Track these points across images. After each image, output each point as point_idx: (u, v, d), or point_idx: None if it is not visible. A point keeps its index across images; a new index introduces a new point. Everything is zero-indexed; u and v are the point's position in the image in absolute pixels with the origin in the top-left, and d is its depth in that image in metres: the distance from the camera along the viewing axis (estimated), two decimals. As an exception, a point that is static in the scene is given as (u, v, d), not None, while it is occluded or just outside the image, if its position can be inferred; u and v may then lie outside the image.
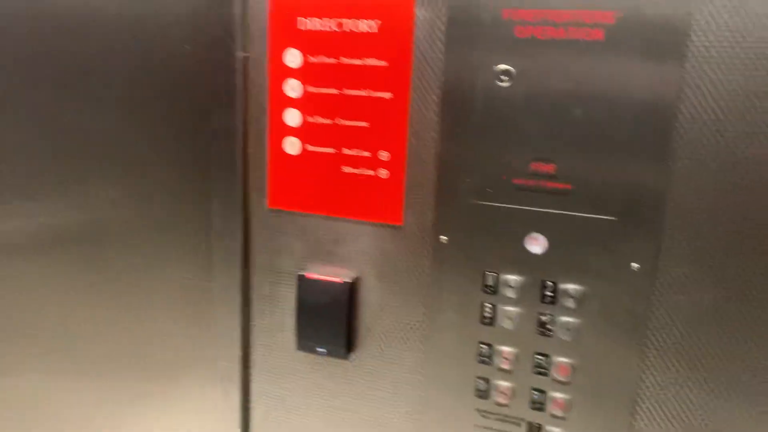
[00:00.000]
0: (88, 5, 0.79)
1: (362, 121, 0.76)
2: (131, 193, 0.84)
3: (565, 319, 0.72)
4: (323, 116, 0.77)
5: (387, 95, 0.74)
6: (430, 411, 0.80)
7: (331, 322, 0.81)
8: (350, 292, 0.80)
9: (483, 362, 0.76)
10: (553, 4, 0.66)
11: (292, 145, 0.80)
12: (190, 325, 0.89)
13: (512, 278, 0.73)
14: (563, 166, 0.69)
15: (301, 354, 0.85)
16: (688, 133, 0.65)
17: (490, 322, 0.75)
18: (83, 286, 0.88)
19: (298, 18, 0.75)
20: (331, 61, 0.75)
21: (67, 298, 0.88)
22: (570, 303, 0.71)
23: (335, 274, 0.81)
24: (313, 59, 0.76)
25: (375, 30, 0.73)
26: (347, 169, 0.78)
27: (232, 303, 0.86)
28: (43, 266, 0.87)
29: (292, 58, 0.77)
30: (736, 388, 0.68)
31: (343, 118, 0.77)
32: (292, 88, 0.78)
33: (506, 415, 0.77)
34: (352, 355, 0.83)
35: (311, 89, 0.77)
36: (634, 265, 0.68)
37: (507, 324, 0.74)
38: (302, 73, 0.77)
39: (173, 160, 0.83)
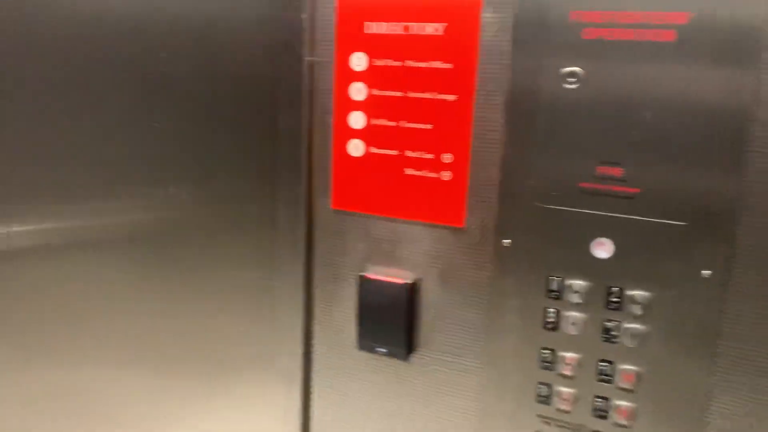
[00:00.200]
0: (165, 13, 0.82)
1: (426, 123, 0.76)
2: (201, 193, 0.87)
3: (631, 325, 0.71)
4: (387, 119, 0.78)
5: (452, 97, 0.74)
6: (489, 415, 0.80)
7: (391, 322, 0.82)
8: (411, 293, 0.81)
9: (545, 367, 0.76)
10: (622, 6, 0.65)
11: (356, 148, 0.81)
12: (253, 322, 0.91)
13: (577, 283, 0.72)
14: (631, 169, 0.68)
15: (362, 353, 0.86)
16: (763, 138, 0.63)
17: (553, 327, 0.74)
18: (153, 283, 0.91)
19: (365, 22, 0.77)
20: (397, 64, 0.76)
21: (137, 293, 0.92)
22: (637, 310, 0.70)
23: (396, 275, 0.82)
24: (378, 62, 0.77)
25: (441, 33, 0.73)
26: (410, 171, 0.79)
27: (294, 301, 0.88)
28: (116, 261, 0.91)
29: (358, 61, 0.78)
30: (813, 403, 0.66)
31: (406, 121, 0.77)
32: (357, 91, 0.79)
33: (568, 422, 0.76)
34: (412, 356, 0.84)
35: (376, 92, 0.78)
36: (705, 272, 0.67)
37: (571, 329, 0.73)
38: (367, 76, 0.78)
39: (241, 163, 0.86)
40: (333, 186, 0.83)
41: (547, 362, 0.75)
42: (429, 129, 0.76)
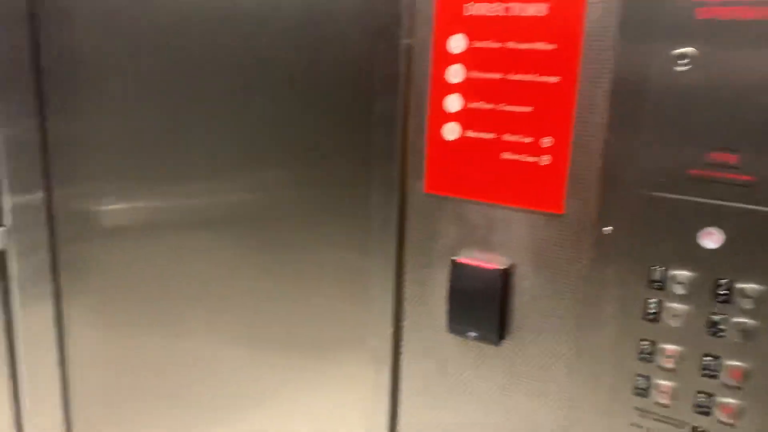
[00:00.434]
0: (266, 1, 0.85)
1: (526, 105, 0.75)
2: (299, 176, 0.89)
3: (740, 320, 0.67)
4: (485, 101, 0.77)
5: (554, 79, 0.72)
6: (582, 404, 0.79)
7: (483, 307, 0.82)
8: (504, 278, 0.80)
9: (644, 359, 0.73)
10: (741, -18, 0.61)
11: (451, 131, 0.80)
12: (345, 302, 0.93)
13: (682, 274, 0.69)
14: (746, 156, 0.64)
15: (452, 337, 0.86)
16: None
17: (654, 318, 0.72)
18: (253, 262, 0.95)
19: (465, 4, 0.76)
20: (496, 45, 0.75)
21: (244, 271, 0.96)
22: (747, 303, 0.67)
23: (489, 260, 0.81)
24: (477, 44, 0.76)
25: (544, 13, 0.71)
26: (507, 155, 0.77)
27: (386, 283, 0.89)
28: (219, 240, 0.95)
29: (456, 43, 0.77)
30: None
31: (505, 104, 0.76)
32: (455, 73, 0.78)
33: (667, 416, 0.73)
34: (504, 342, 0.83)
35: (474, 74, 0.77)
36: (826, 266, 0.63)
37: (673, 321, 0.71)
38: (465, 58, 0.77)
39: (337, 146, 0.87)
40: (427, 169, 0.83)
41: (645, 354, 0.73)
42: (529, 112, 0.75)
